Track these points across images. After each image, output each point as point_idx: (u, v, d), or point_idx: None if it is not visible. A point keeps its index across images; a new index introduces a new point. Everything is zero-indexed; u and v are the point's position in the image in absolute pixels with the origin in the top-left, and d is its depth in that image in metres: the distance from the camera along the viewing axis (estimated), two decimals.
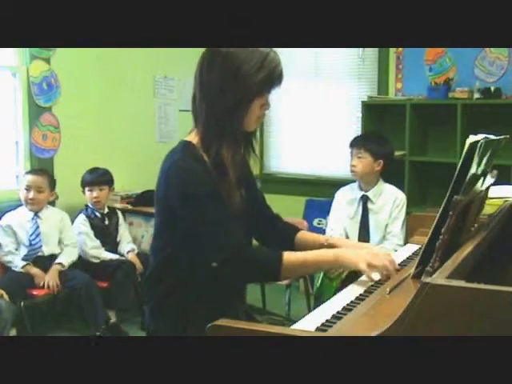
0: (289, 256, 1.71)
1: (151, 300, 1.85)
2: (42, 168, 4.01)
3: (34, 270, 3.66)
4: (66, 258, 3.80)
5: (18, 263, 3.65)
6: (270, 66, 1.72)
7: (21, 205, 3.82)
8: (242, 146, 1.85)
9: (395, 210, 3.42)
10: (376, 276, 1.75)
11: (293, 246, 2.01)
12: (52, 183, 3.90)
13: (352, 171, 3.42)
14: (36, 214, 3.79)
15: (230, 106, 1.71)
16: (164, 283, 1.80)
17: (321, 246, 1.98)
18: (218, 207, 1.69)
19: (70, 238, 3.90)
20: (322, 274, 2.99)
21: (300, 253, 1.78)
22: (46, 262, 3.73)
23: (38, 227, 3.77)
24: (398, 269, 1.79)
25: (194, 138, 1.79)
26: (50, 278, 3.64)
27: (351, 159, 3.44)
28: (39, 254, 3.75)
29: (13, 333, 3.40)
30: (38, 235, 3.76)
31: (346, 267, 1.84)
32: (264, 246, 2.09)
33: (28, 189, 3.77)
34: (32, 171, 3.90)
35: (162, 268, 1.80)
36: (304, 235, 2.05)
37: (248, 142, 1.88)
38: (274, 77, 1.74)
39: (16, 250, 3.71)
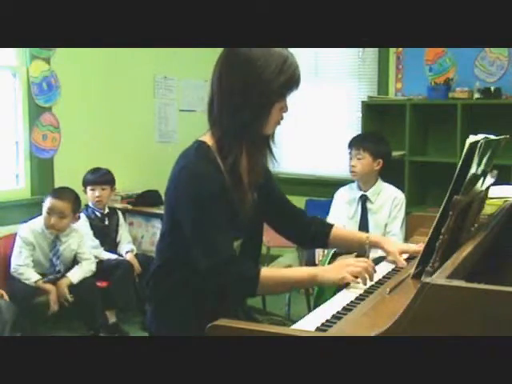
0: (265, 273, 1.70)
1: (153, 300, 1.85)
2: (67, 188, 3.79)
3: (47, 286, 3.58)
4: (78, 275, 3.69)
5: (30, 276, 3.56)
6: (290, 69, 1.72)
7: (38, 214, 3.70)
8: (264, 150, 1.85)
9: (394, 209, 3.42)
10: (360, 283, 1.72)
11: (327, 240, 2.05)
12: (76, 206, 3.72)
13: (352, 172, 3.42)
14: (57, 235, 3.67)
15: (253, 111, 1.70)
16: (166, 284, 1.80)
17: (361, 242, 2.04)
18: (221, 211, 1.69)
19: (86, 253, 3.78)
20: None
21: (277, 270, 1.82)
22: (56, 279, 3.68)
23: (58, 250, 3.68)
24: (373, 274, 1.75)
25: (209, 140, 1.77)
26: (54, 296, 3.56)
27: (350, 160, 3.44)
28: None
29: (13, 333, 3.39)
30: (58, 257, 3.68)
31: (327, 285, 1.84)
32: (293, 240, 2.15)
33: (50, 213, 3.59)
34: (56, 194, 3.67)
35: (165, 269, 1.80)
36: (340, 231, 2.09)
37: (266, 145, 1.88)
38: (293, 80, 1.74)
39: (32, 265, 3.62)
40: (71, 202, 3.67)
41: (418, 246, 2.05)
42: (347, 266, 1.72)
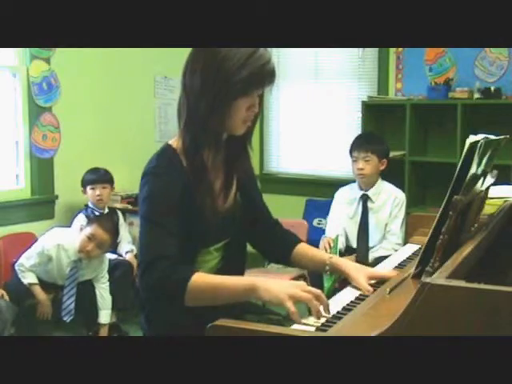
0: (199, 277, 1.55)
1: (145, 308, 1.83)
2: (110, 217, 3.87)
3: (40, 295, 3.56)
4: (109, 315, 3.73)
5: (26, 276, 3.55)
6: (256, 63, 1.63)
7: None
8: (223, 149, 1.77)
9: (395, 208, 3.43)
10: (310, 320, 1.47)
11: (289, 257, 1.92)
12: (115, 240, 3.73)
13: (360, 174, 3.41)
14: (80, 258, 3.59)
15: (211, 105, 1.63)
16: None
17: (323, 264, 1.85)
18: (171, 211, 1.62)
19: (104, 283, 3.74)
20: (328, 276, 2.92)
21: (212, 276, 1.63)
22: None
23: (76, 277, 3.62)
24: (327, 305, 1.50)
25: (174, 142, 1.75)
26: (44, 307, 3.57)
27: (355, 162, 3.42)
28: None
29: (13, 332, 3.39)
30: (73, 281, 3.60)
31: (266, 301, 1.55)
32: (260, 252, 2.01)
33: (91, 239, 3.53)
34: (102, 223, 3.62)
35: None
36: (304, 248, 1.92)
37: (242, 146, 1.81)
38: (260, 75, 1.64)
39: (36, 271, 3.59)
40: (113, 236, 3.66)
41: (387, 272, 1.82)
42: (293, 288, 1.50)
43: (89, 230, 3.56)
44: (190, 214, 1.67)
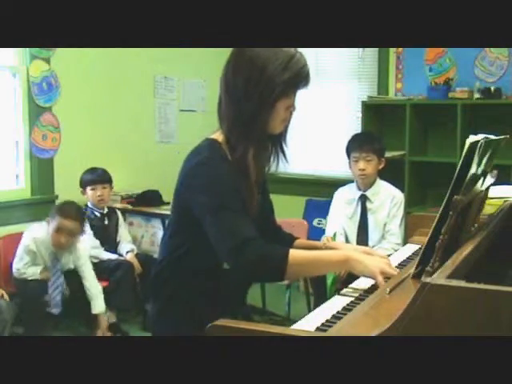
0: (295, 253, 1.64)
1: (158, 300, 1.85)
2: (72, 204, 3.74)
3: (44, 274, 3.60)
4: (102, 303, 3.71)
5: (33, 271, 3.56)
6: (296, 66, 1.70)
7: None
8: (269, 148, 1.83)
9: (393, 208, 3.43)
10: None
11: None
12: (84, 223, 3.73)
13: (362, 175, 3.41)
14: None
15: (256, 107, 1.69)
16: (171, 283, 1.79)
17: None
18: (239, 200, 1.67)
19: (86, 272, 3.72)
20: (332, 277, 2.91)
21: (307, 251, 1.72)
22: None
23: (60, 263, 3.65)
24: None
25: (219, 137, 1.77)
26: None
27: (357, 163, 3.42)
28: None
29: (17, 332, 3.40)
30: (58, 269, 3.63)
31: (358, 272, 1.69)
32: None
33: (59, 232, 3.56)
34: (65, 212, 3.60)
35: (176, 266, 1.78)
36: (301, 242, 2.00)
37: (277, 145, 1.86)
38: (299, 78, 1.72)
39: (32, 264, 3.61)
40: (80, 221, 3.66)
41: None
42: (385, 263, 1.66)
43: (55, 224, 3.56)
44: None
